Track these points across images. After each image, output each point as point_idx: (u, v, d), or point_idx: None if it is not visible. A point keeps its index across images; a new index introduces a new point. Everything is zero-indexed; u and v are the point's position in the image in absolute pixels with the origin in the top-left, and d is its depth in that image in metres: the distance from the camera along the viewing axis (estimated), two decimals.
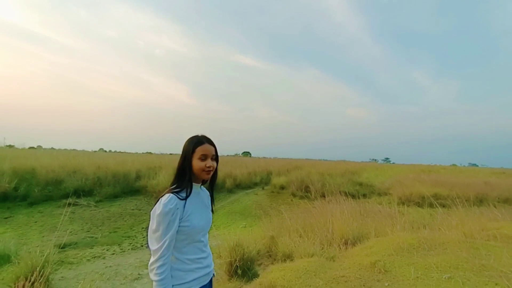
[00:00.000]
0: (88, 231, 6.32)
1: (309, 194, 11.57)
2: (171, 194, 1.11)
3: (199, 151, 1.17)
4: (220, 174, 14.08)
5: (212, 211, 1.35)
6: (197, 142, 1.19)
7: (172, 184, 1.19)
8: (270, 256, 4.15)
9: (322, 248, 3.68)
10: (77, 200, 8.38)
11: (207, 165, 1.17)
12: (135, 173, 11.66)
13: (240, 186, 14.20)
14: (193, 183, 1.20)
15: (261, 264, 4.08)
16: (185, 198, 1.14)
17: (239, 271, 3.40)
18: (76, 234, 6.00)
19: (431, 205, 8.94)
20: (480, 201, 10.33)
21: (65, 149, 36.47)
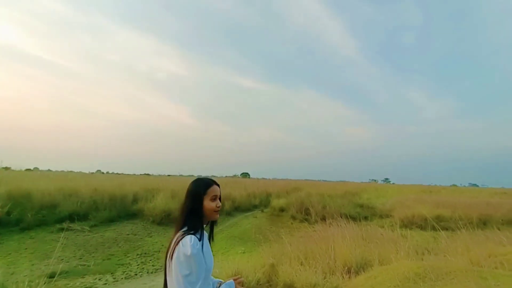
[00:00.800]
0: (81, 258, 6.07)
1: (309, 217, 11.33)
2: (192, 236, 1.12)
3: (211, 192, 1.23)
4: None
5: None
6: (207, 183, 1.26)
7: (183, 225, 1.19)
8: (271, 286, 3.96)
9: (325, 278, 3.53)
10: (70, 225, 8.14)
11: (217, 205, 1.24)
12: (133, 195, 11.44)
13: (239, 208, 13.92)
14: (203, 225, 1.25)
15: None
16: (200, 239, 1.15)
17: None
18: (67, 262, 5.75)
19: (434, 228, 8.76)
20: (483, 223, 10.14)
21: (61, 171, 36.14)
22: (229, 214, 12.67)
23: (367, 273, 3.31)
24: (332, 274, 3.74)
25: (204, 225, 1.26)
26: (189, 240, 1.10)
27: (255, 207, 15.17)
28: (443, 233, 5.49)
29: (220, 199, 1.28)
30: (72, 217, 8.61)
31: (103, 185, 12.08)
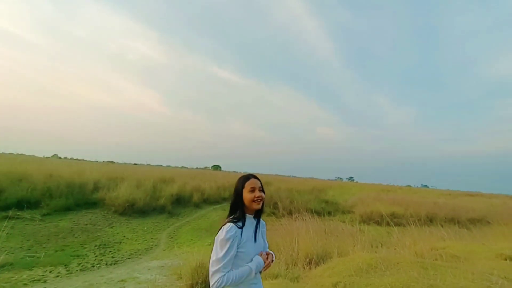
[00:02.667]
0: (29, 250, 5.56)
1: (276, 211, 11.62)
2: (231, 223, 1.34)
3: (248, 185, 1.43)
4: (187, 187, 13.60)
5: (264, 241, 1.52)
6: (245, 178, 1.46)
7: (229, 216, 1.43)
8: None
9: (287, 269, 3.67)
10: (18, 213, 7.39)
11: (256, 196, 1.41)
12: (93, 183, 10.69)
13: (208, 200, 13.80)
14: (247, 214, 1.43)
15: None
16: (242, 227, 1.36)
17: None
18: (13, 253, 5.23)
19: (388, 224, 9.55)
20: (430, 220, 11.30)
21: (10, 153, 32.41)
22: (197, 206, 12.51)
23: (326, 264, 3.52)
24: (295, 265, 3.91)
25: (253, 215, 1.45)
26: (227, 227, 1.32)
27: (224, 199, 15.14)
28: (395, 228, 6.01)
29: (262, 191, 1.45)
30: (21, 204, 7.83)
31: (60, 170, 11.12)
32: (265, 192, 1.49)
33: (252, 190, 1.42)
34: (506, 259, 3.77)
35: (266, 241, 1.53)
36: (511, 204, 18.18)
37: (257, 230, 1.46)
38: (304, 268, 3.74)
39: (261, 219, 1.52)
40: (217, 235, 1.33)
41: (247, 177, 1.47)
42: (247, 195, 1.41)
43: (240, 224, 1.37)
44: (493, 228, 8.18)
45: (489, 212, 12.46)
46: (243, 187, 1.43)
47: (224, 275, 1.25)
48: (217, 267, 1.26)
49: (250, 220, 1.44)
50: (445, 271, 2.95)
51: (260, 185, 1.46)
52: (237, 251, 1.32)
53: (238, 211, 1.42)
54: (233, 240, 1.30)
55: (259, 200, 1.42)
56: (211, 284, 1.26)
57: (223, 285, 1.24)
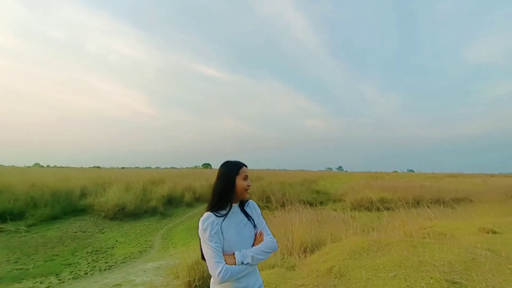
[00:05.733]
0: (16, 262, 5.36)
1: (270, 204, 11.72)
2: (210, 212, 1.28)
3: (243, 172, 1.36)
4: (178, 187, 13.44)
5: (255, 225, 1.40)
6: (238, 165, 1.38)
7: (211, 205, 1.33)
8: None
9: (283, 258, 3.73)
10: (1, 226, 7.09)
11: (248, 184, 1.37)
12: (80, 190, 10.37)
13: (200, 199, 13.70)
14: (232, 203, 1.36)
15: None
16: (225, 215, 1.29)
17: None
18: None
19: (378, 209, 9.85)
20: (417, 202, 11.71)
21: None
22: (189, 205, 12.40)
23: (321, 251, 3.60)
24: (290, 255, 3.98)
25: (237, 204, 1.39)
26: (203, 217, 1.26)
27: None
28: (385, 213, 6.21)
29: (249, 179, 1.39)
30: (4, 217, 7.50)
31: (43, 179, 10.69)
32: (258, 187, 1.45)
33: (245, 178, 1.36)
34: (488, 233, 3.99)
35: (261, 221, 1.42)
36: (491, 182, 19.20)
37: (243, 217, 1.37)
38: (299, 256, 3.80)
39: (249, 201, 1.45)
40: (198, 229, 1.26)
41: (239, 165, 1.39)
42: (240, 183, 1.34)
43: (223, 212, 1.30)
44: (476, 206, 8.61)
45: (471, 191, 13.10)
46: (236, 174, 1.35)
47: (224, 265, 1.18)
48: (212, 260, 1.18)
49: (234, 208, 1.37)
50: (433, 247, 3.09)
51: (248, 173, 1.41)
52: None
53: (225, 199, 1.32)
54: (211, 227, 1.22)
55: (248, 189, 1.38)
56: (218, 278, 1.17)
57: (229, 273, 1.17)
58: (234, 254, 1.24)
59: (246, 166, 1.41)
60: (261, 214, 1.46)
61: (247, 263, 1.24)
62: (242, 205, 1.42)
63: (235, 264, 1.22)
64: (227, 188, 1.33)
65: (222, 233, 1.25)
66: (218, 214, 1.28)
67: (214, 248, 1.20)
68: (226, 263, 1.20)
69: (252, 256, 1.25)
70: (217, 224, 1.25)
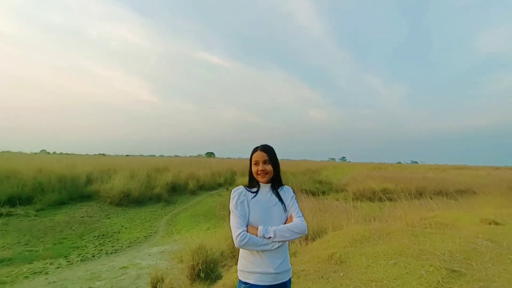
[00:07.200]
0: (27, 244, 5.54)
1: None
2: (241, 186, 1.42)
3: (253, 158, 1.45)
4: (182, 175, 13.61)
5: (285, 209, 1.42)
6: (253, 151, 1.46)
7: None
8: (234, 257, 4.14)
9: None
10: (11, 210, 7.29)
11: (259, 169, 1.41)
12: (86, 176, 10.56)
13: (203, 187, 13.89)
14: (262, 184, 1.44)
15: (225, 265, 4.05)
16: (255, 192, 1.40)
17: (202, 274, 3.32)
18: (10, 249, 5.21)
19: (380, 199, 9.89)
20: (420, 193, 11.74)
21: None
22: (193, 193, 12.58)
23: (322, 238, 3.65)
24: (292, 243, 4.05)
25: (270, 184, 1.45)
26: (235, 188, 1.41)
27: (220, 185, 15.27)
28: (387, 203, 6.22)
29: (268, 163, 1.42)
30: (13, 201, 7.71)
31: (50, 165, 10.88)
32: None
33: (256, 163, 1.43)
34: (490, 223, 4.00)
35: (294, 204, 1.42)
36: (495, 175, 19.04)
37: (274, 198, 1.40)
38: (301, 243, 3.87)
39: (284, 186, 1.48)
40: None
41: (254, 150, 1.46)
42: (253, 168, 1.44)
43: (254, 189, 1.41)
44: (478, 197, 8.60)
45: (474, 183, 13.03)
46: (251, 158, 1.46)
47: (243, 231, 1.24)
48: (234, 225, 1.27)
49: (266, 188, 1.44)
50: (434, 237, 3.11)
51: (266, 158, 1.41)
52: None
53: (251, 179, 1.46)
54: (238, 197, 1.34)
55: (262, 174, 1.40)
56: (236, 242, 1.25)
57: (246, 240, 1.22)
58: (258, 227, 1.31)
59: (263, 150, 1.44)
60: (295, 199, 1.46)
61: (269, 237, 1.26)
62: (276, 187, 1.46)
63: (257, 236, 1.26)
64: (250, 170, 1.47)
65: (248, 206, 1.34)
66: (249, 190, 1.40)
67: (238, 215, 1.29)
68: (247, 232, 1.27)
69: (275, 231, 1.26)
70: (244, 195, 1.36)
